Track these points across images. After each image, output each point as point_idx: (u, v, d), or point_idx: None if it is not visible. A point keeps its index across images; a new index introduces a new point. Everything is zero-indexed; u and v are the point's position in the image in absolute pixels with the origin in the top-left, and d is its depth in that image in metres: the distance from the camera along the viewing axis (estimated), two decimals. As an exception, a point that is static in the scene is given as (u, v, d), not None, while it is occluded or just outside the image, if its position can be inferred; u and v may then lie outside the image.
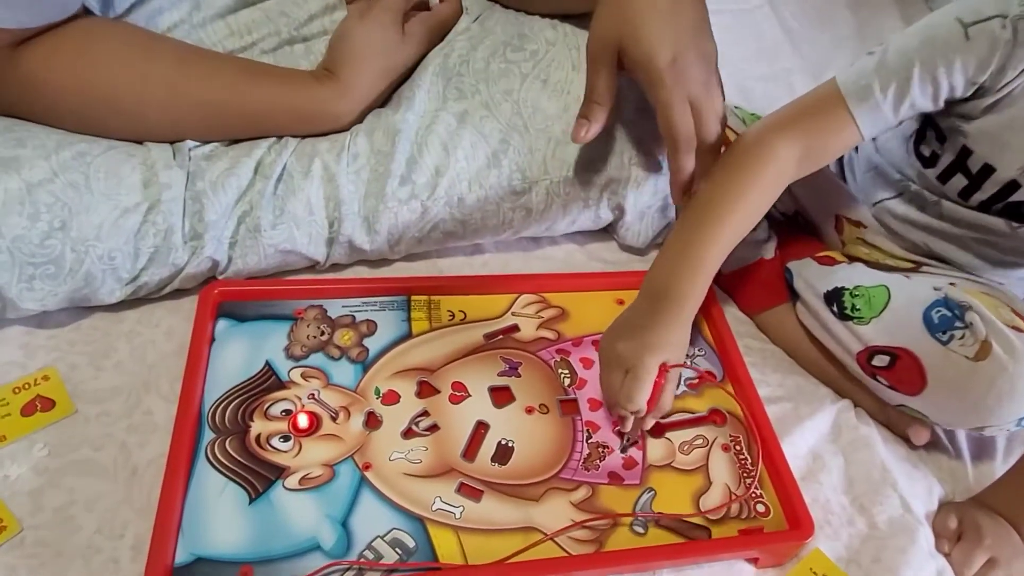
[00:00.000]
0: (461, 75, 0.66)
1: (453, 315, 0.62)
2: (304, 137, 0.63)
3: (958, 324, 0.54)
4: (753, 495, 0.55)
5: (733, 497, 0.54)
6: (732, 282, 0.70)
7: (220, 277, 0.61)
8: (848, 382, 0.63)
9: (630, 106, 0.68)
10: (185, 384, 0.52)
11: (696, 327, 0.65)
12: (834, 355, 0.62)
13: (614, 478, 0.54)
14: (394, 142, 0.63)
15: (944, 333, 0.54)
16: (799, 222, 0.72)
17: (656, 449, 0.56)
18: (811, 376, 0.66)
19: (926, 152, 0.60)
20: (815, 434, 0.61)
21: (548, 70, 0.66)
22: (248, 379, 0.55)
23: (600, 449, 0.55)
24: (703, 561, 0.52)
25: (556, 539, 0.50)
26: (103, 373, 0.56)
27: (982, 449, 0.65)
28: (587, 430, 0.57)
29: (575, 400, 0.58)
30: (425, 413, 0.55)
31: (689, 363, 0.62)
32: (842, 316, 0.60)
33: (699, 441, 0.57)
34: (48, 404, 0.53)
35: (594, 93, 0.59)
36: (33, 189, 0.53)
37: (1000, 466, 0.64)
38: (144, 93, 0.58)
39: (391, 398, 0.56)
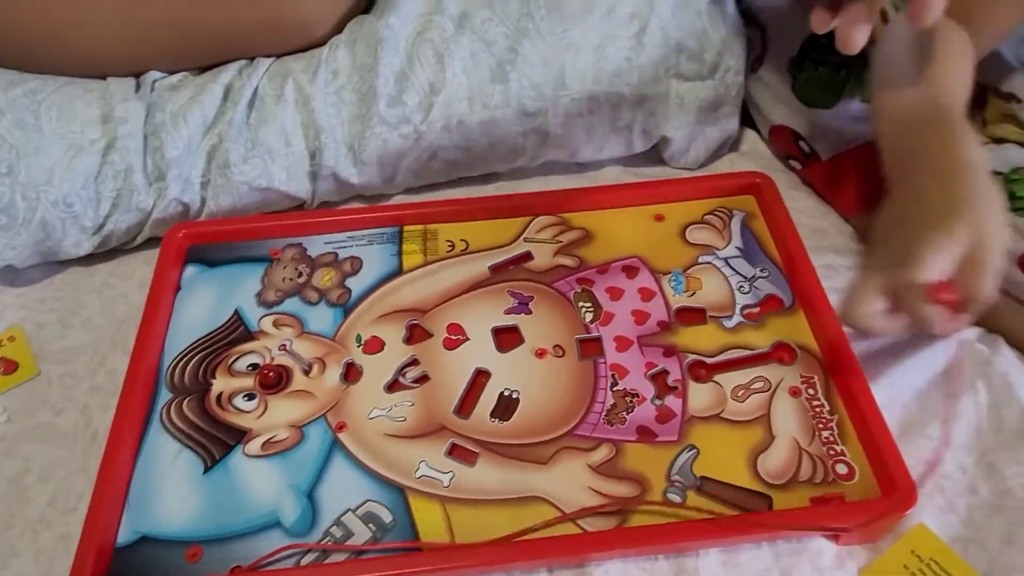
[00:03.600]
0: None
1: (453, 245, 0.52)
2: (279, 57, 0.56)
3: None
4: (831, 452, 0.42)
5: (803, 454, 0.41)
6: (835, 172, 0.55)
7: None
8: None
9: (668, 1, 0.54)
10: (139, 339, 0.46)
11: (757, 240, 0.52)
12: None
13: (644, 434, 0.43)
14: (377, 54, 0.53)
15: None
16: None
17: (700, 396, 0.44)
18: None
19: None
20: (924, 374, 0.46)
21: None
22: (213, 331, 0.48)
23: (628, 399, 0.44)
24: (763, 540, 0.40)
25: (568, 512, 0.40)
26: (71, 331, 0.51)
27: None
28: (612, 375, 0.45)
29: (599, 339, 0.47)
30: (414, 362, 0.46)
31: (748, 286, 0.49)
32: None
33: (759, 384, 0.44)
34: (11, 366, 0.49)
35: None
36: (-24, 131, 0.48)
37: None
38: (93, 22, 0.52)
39: (374, 346, 0.47)
